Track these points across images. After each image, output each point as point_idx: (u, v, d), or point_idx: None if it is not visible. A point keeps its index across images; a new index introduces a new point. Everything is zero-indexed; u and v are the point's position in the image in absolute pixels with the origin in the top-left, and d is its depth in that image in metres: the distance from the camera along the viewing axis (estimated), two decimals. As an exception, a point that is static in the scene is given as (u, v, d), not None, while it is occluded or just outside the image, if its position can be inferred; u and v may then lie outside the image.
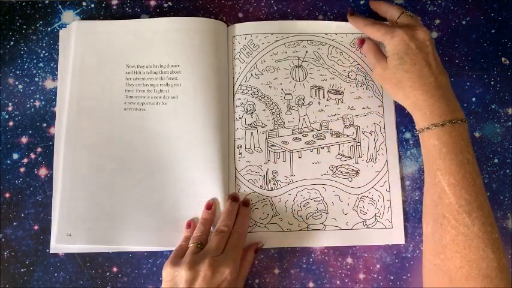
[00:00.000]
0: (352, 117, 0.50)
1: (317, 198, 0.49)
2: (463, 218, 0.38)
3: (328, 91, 0.51)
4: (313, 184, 0.49)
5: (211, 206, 0.47)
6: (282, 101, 0.51)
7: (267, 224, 0.48)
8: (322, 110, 0.50)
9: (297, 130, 0.50)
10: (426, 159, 0.43)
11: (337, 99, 0.51)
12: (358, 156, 0.50)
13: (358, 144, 0.50)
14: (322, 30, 0.52)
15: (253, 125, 0.50)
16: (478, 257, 0.38)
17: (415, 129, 0.44)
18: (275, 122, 0.50)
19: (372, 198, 0.49)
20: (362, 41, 0.50)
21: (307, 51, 0.51)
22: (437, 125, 0.41)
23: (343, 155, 0.50)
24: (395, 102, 0.50)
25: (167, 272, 0.41)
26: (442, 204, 0.40)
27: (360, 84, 0.51)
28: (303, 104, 0.50)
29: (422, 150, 0.44)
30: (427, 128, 0.42)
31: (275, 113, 0.50)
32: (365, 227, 0.48)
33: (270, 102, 0.50)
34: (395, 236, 0.48)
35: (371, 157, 0.50)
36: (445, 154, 0.40)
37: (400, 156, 0.50)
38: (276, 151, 0.50)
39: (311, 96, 0.51)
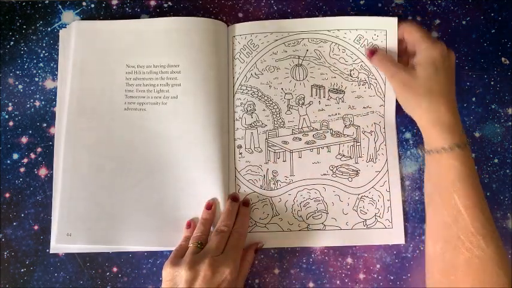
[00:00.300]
0: (353, 117, 0.50)
1: (317, 198, 0.49)
2: (478, 241, 0.38)
3: (328, 90, 0.50)
4: (313, 184, 0.49)
5: (211, 206, 0.47)
6: (282, 100, 0.50)
7: (267, 224, 0.48)
8: (322, 110, 0.50)
9: (297, 130, 0.50)
10: (439, 180, 0.42)
11: (337, 99, 0.50)
12: (358, 156, 0.49)
13: (358, 144, 0.49)
14: (324, 27, 0.51)
15: (253, 125, 0.50)
16: (492, 279, 0.38)
17: (423, 149, 0.44)
18: (275, 122, 0.50)
19: (371, 198, 0.49)
20: (373, 52, 0.49)
21: (307, 50, 0.51)
22: (459, 146, 0.40)
23: (343, 155, 0.49)
24: (396, 101, 0.50)
25: (167, 272, 0.41)
26: (457, 226, 0.39)
27: (362, 83, 0.50)
28: (303, 104, 0.50)
29: (432, 170, 0.43)
30: (449, 147, 0.41)
31: (275, 113, 0.50)
32: (365, 227, 0.48)
33: (270, 102, 0.50)
34: (395, 235, 0.48)
35: (371, 157, 0.49)
36: (464, 176, 0.40)
37: (400, 156, 0.50)
38: (276, 151, 0.49)
39: (311, 95, 0.50)
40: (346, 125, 0.50)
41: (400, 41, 0.49)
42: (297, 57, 0.51)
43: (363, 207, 0.49)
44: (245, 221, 0.47)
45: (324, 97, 0.50)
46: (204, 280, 0.39)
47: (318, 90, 0.50)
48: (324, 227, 0.48)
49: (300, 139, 0.50)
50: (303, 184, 0.49)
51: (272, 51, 0.51)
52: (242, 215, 0.47)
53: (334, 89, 0.50)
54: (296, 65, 0.51)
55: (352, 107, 0.50)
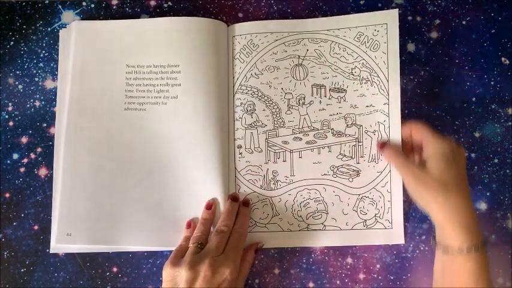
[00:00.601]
0: (355, 116, 0.49)
1: (317, 199, 0.49)
2: None
3: (329, 89, 0.50)
4: (313, 184, 0.49)
5: (211, 206, 0.47)
6: (282, 100, 0.50)
7: (267, 224, 0.48)
8: (323, 109, 0.49)
9: (297, 130, 0.50)
10: (453, 281, 0.40)
11: (339, 98, 0.49)
12: (359, 156, 0.49)
13: (361, 144, 0.49)
14: (324, 26, 0.50)
15: (253, 125, 0.50)
16: None
17: (434, 243, 0.42)
18: (275, 122, 0.50)
19: (372, 198, 0.48)
20: (383, 145, 0.48)
21: (307, 50, 0.50)
22: (477, 248, 0.39)
23: (344, 155, 0.49)
24: (402, 99, 0.49)
25: (167, 272, 0.41)
26: None
27: (364, 81, 0.49)
28: (303, 103, 0.50)
29: (446, 268, 0.41)
30: (467, 249, 0.39)
31: (275, 113, 0.50)
32: (365, 227, 0.48)
33: (270, 102, 0.50)
34: (395, 236, 0.48)
35: (373, 157, 0.49)
36: (481, 279, 0.39)
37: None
38: (276, 151, 0.49)
39: (312, 95, 0.50)
40: (348, 125, 0.49)
41: (405, 140, 0.48)
42: (297, 57, 0.50)
43: (363, 207, 0.48)
44: (245, 221, 0.47)
45: (325, 96, 0.50)
46: (204, 280, 0.39)
47: (318, 89, 0.50)
48: (324, 227, 0.48)
49: (301, 139, 0.49)
50: (303, 184, 0.49)
51: (272, 51, 0.51)
52: (242, 215, 0.47)
53: (335, 88, 0.50)
54: (296, 64, 0.50)
55: (355, 106, 0.49)
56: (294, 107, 0.50)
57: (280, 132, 0.50)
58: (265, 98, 0.50)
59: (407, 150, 0.48)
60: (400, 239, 0.48)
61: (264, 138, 0.50)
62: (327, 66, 0.50)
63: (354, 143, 0.49)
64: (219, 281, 0.40)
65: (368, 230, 0.48)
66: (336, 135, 0.49)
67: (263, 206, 0.49)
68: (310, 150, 0.49)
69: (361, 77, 0.50)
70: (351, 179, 0.49)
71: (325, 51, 0.50)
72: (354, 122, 0.49)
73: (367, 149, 0.49)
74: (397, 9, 0.49)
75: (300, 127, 0.50)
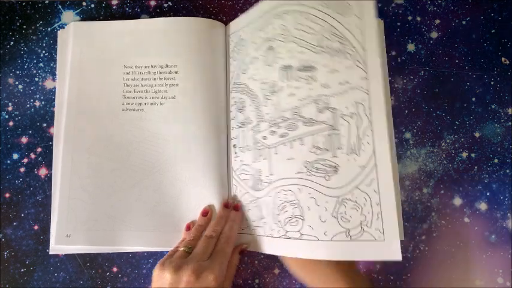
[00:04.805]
0: (328, 98, 0.40)
1: (293, 201, 0.41)
2: None
3: (297, 69, 0.41)
4: (288, 185, 0.41)
5: (207, 212, 0.46)
6: (260, 91, 0.44)
7: (255, 226, 0.45)
8: (292, 94, 0.41)
9: (272, 122, 0.43)
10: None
11: (308, 78, 0.40)
12: (336, 147, 0.39)
13: (337, 132, 0.39)
14: None
15: (243, 122, 0.46)
16: None
17: None
18: (257, 117, 0.44)
19: (355, 201, 0.38)
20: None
21: (274, 28, 0.43)
22: None
23: (318, 148, 0.40)
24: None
25: (155, 273, 0.41)
26: None
27: (335, 53, 0.40)
28: (274, 91, 0.42)
29: None
30: None
31: (257, 107, 0.45)
32: (348, 239, 0.38)
33: (253, 96, 0.45)
34: (389, 249, 0.37)
35: (353, 148, 0.39)
36: None
37: (399, 157, 0.50)
38: (259, 148, 0.44)
39: (281, 79, 0.42)
40: (319, 109, 0.40)
41: None
42: (267, 39, 0.44)
43: (344, 213, 0.38)
44: (233, 225, 0.45)
45: (292, 79, 0.41)
46: (187, 285, 0.39)
47: (286, 71, 0.42)
48: (301, 235, 0.40)
49: (275, 132, 0.42)
50: (280, 185, 0.42)
51: (253, 41, 0.46)
52: (231, 220, 0.45)
53: (302, 66, 0.41)
54: (268, 48, 0.44)
55: (326, 85, 0.40)
56: (268, 97, 0.43)
57: (261, 127, 0.44)
58: (251, 92, 0.46)
59: None
60: (395, 254, 0.36)
61: (250, 135, 0.46)
62: (292, 42, 0.41)
63: (328, 131, 0.40)
64: (203, 286, 0.39)
65: (352, 242, 0.38)
66: (308, 124, 0.40)
67: (254, 207, 0.45)
68: (283, 145, 0.42)
69: (332, 48, 0.40)
70: (327, 177, 0.39)
71: (289, 23, 0.42)
72: (326, 106, 0.40)
73: (345, 138, 0.39)
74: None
75: (274, 119, 0.43)
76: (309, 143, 0.40)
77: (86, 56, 0.50)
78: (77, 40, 0.50)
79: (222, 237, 0.44)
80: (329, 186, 0.39)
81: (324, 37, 0.40)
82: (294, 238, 0.40)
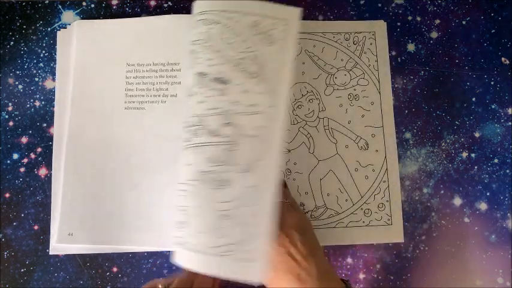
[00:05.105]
0: (235, 115, 0.39)
1: (183, 207, 0.40)
2: None
3: (213, 79, 0.40)
4: (181, 190, 0.40)
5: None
6: (185, 91, 0.43)
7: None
8: (202, 102, 0.40)
9: (184, 124, 0.41)
10: None
11: (219, 90, 0.40)
12: (232, 163, 0.38)
13: (236, 149, 0.39)
14: (217, 6, 0.41)
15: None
16: None
17: None
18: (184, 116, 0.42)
19: (238, 218, 0.38)
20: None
21: (200, 33, 0.42)
22: None
23: (216, 160, 0.39)
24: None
25: None
26: None
27: (250, 75, 0.40)
28: (190, 94, 0.41)
29: None
30: None
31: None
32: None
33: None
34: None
35: (246, 168, 0.38)
36: None
37: (400, 156, 0.50)
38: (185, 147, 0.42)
39: (194, 85, 0.41)
40: (224, 123, 0.39)
41: None
42: (192, 42, 0.42)
43: (224, 227, 0.37)
44: None
45: (205, 87, 0.40)
46: None
47: (200, 78, 0.41)
48: (185, 242, 0.39)
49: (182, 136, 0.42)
50: (179, 188, 0.41)
51: (189, 39, 0.43)
52: None
53: (217, 78, 0.40)
54: (190, 51, 0.42)
55: (236, 102, 0.39)
56: (186, 99, 0.42)
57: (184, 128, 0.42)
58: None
59: None
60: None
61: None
62: (214, 52, 0.41)
63: (228, 146, 0.39)
64: None
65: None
66: (211, 134, 0.40)
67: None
68: (185, 149, 0.41)
69: (250, 71, 0.40)
70: (217, 189, 0.38)
71: (215, 33, 0.41)
72: (231, 122, 0.39)
73: (241, 158, 0.38)
74: (300, 9, 0.40)
75: (186, 121, 0.42)
76: (207, 153, 0.39)
77: (90, 54, 0.50)
78: (81, 39, 0.50)
79: None
80: (217, 200, 0.38)
81: (246, 58, 0.40)
82: (180, 243, 0.39)
